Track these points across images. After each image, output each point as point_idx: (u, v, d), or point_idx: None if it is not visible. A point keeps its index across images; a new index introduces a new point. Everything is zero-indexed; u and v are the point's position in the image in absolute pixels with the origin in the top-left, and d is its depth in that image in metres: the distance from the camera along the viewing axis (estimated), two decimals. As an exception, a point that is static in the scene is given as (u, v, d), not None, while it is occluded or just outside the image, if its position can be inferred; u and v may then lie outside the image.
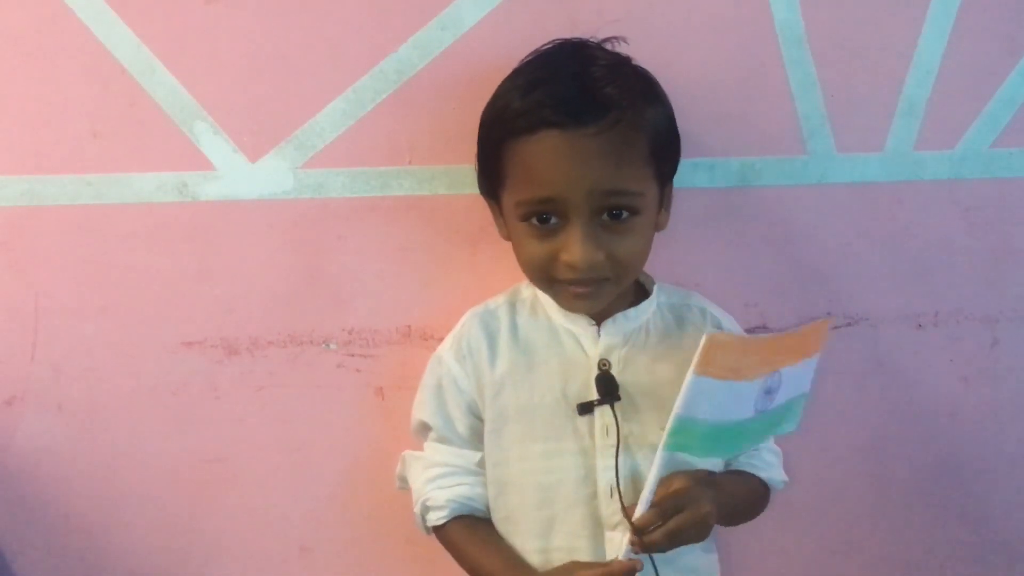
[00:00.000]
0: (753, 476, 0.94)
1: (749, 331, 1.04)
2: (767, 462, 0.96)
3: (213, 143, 0.96)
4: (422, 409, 0.94)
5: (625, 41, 0.92)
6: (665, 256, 0.97)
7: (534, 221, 0.84)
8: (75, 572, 1.04)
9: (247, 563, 1.05)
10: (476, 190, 0.93)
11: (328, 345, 1.01)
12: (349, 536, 1.06)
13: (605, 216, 0.83)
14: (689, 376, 0.75)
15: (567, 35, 0.91)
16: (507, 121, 0.84)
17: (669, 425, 0.77)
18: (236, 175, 0.97)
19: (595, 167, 0.81)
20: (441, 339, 0.96)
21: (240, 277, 0.99)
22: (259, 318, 1.00)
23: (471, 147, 0.91)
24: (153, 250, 0.98)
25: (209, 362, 1.00)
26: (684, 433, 0.77)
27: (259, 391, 1.02)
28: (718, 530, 0.94)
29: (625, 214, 0.84)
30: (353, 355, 1.02)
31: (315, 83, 0.96)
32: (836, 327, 1.07)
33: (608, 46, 0.91)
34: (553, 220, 0.84)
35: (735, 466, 0.95)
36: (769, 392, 0.79)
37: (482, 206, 0.94)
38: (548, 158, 0.82)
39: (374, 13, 0.95)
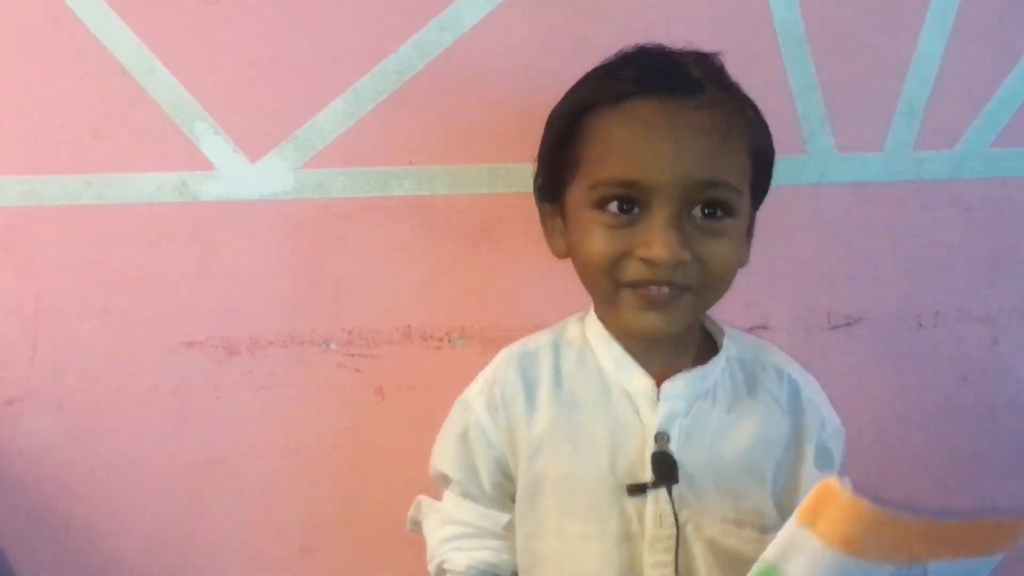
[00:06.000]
0: None
1: (748, 331, 1.03)
2: None
3: (213, 143, 0.96)
4: (443, 459, 0.82)
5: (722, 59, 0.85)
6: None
7: (611, 207, 0.70)
8: (75, 572, 1.04)
9: (247, 563, 1.05)
10: (476, 190, 0.93)
11: (328, 345, 1.01)
12: (349, 536, 1.06)
13: (697, 211, 0.70)
14: (789, 523, 0.60)
15: (566, 35, 0.91)
16: (590, 95, 0.73)
17: (754, 568, 0.62)
18: (236, 175, 0.97)
19: (694, 147, 0.68)
20: (441, 339, 0.95)
21: (240, 277, 0.99)
22: (259, 318, 1.00)
23: (471, 147, 0.91)
24: (153, 250, 0.98)
25: (209, 362, 1.00)
26: None
27: (259, 391, 1.01)
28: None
29: (720, 212, 0.70)
30: (353, 355, 1.02)
31: (315, 83, 0.96)
32: (836, 327, 1.08)
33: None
34: (634, 209, 0.70)
35: None
36: None
37: (483, 206, 0.94)
38: (637, 130, 0.69)
39: (374, 13, 0.95)
